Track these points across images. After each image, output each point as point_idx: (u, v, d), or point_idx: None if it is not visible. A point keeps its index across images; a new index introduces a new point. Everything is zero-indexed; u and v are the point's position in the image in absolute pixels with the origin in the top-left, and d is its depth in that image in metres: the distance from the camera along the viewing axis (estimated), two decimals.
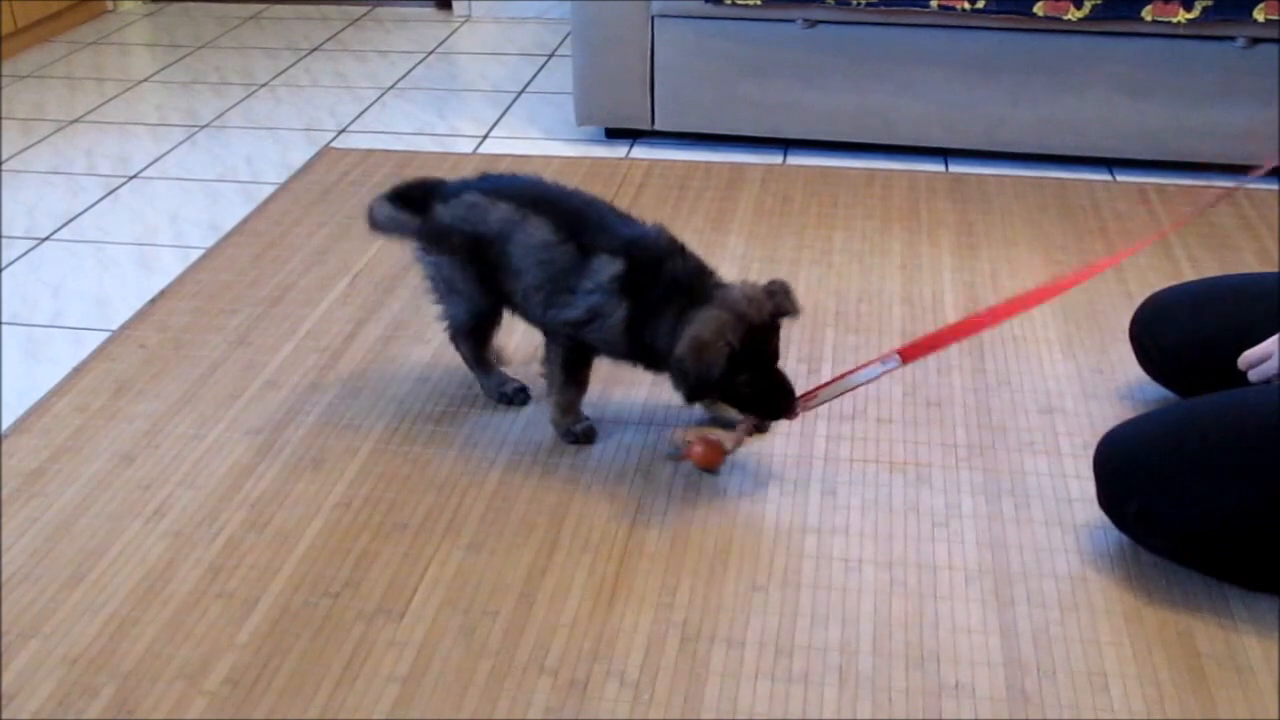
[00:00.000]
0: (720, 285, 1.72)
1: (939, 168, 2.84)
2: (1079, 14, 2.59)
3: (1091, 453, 1.63)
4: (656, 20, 2.83)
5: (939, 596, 1.54)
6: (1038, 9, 2.60)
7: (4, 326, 2.24)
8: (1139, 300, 1.93)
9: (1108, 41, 2.66)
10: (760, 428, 1.84)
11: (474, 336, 1.93)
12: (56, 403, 1.97)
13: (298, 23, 4.17)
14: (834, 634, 1.49)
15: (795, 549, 1.63)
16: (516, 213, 1.78)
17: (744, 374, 1.66)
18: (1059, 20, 2.61)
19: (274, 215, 2.64)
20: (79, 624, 1.52)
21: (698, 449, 1.77)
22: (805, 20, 2.75)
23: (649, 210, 2.61)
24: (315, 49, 3.88)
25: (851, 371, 1.81)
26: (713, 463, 1.77)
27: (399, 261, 2.38)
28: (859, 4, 2.67)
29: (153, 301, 2.28)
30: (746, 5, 2.73)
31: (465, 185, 1.86)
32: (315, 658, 1.46)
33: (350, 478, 1.78)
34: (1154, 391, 1.92)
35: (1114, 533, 1.61)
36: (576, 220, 1.77)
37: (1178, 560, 1.57)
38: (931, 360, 2.02)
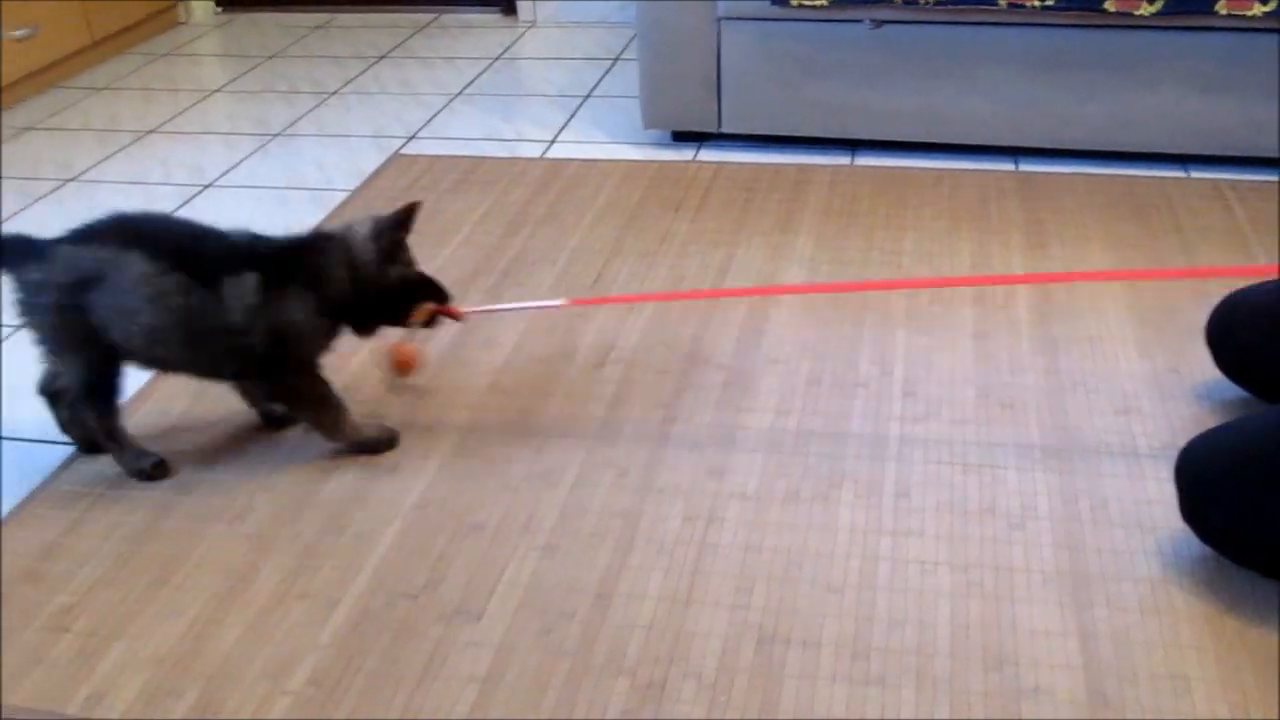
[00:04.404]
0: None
1: (1008, 167, 2.82)
2: (1150, 9, 2.55)
3: (1170, 454, 1.61)
4: (722, 23, 2.83)
5: (1016, 599, 1.53)
6: (1108, 4, 2.57)
7: None
8: (1215, 300, 1.90)
9: (1180, 36, 2.62)
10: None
11: (97, 399, 1.79)
12: (139, 408, 2.01)
13: (364, 31, 4.22)
14: (910, 637, 1.48)
15: (870, 551, 1.63)
16: (110, 252, 1.68)
17: (406, 255, 1.83)
18: (1130, 15, 2.58)
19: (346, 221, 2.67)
20: (163, 625, 1.55)
21: (391, 358, 1.92)
22: (872, 21, 2.73)
23: (716, 213, 2.61)
24: (383, 57, 3.92)
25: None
26: (405, 369, 1.92)
27: (471, 266, 2.40)
28: (926, 3, 2.65)
29: None
30: (813, 6, 2.72)
31: (54, 241, 1.71)
32: (395, 658, 1.49)
33: (427, 480, 1.80)
34: (1231, 392, 1.89)
35: (1192, 535, 1.59)
36: (174, 250, 1.69)
37: (1263, 573, 1.54)
38: (1004, 361, 2.01)
